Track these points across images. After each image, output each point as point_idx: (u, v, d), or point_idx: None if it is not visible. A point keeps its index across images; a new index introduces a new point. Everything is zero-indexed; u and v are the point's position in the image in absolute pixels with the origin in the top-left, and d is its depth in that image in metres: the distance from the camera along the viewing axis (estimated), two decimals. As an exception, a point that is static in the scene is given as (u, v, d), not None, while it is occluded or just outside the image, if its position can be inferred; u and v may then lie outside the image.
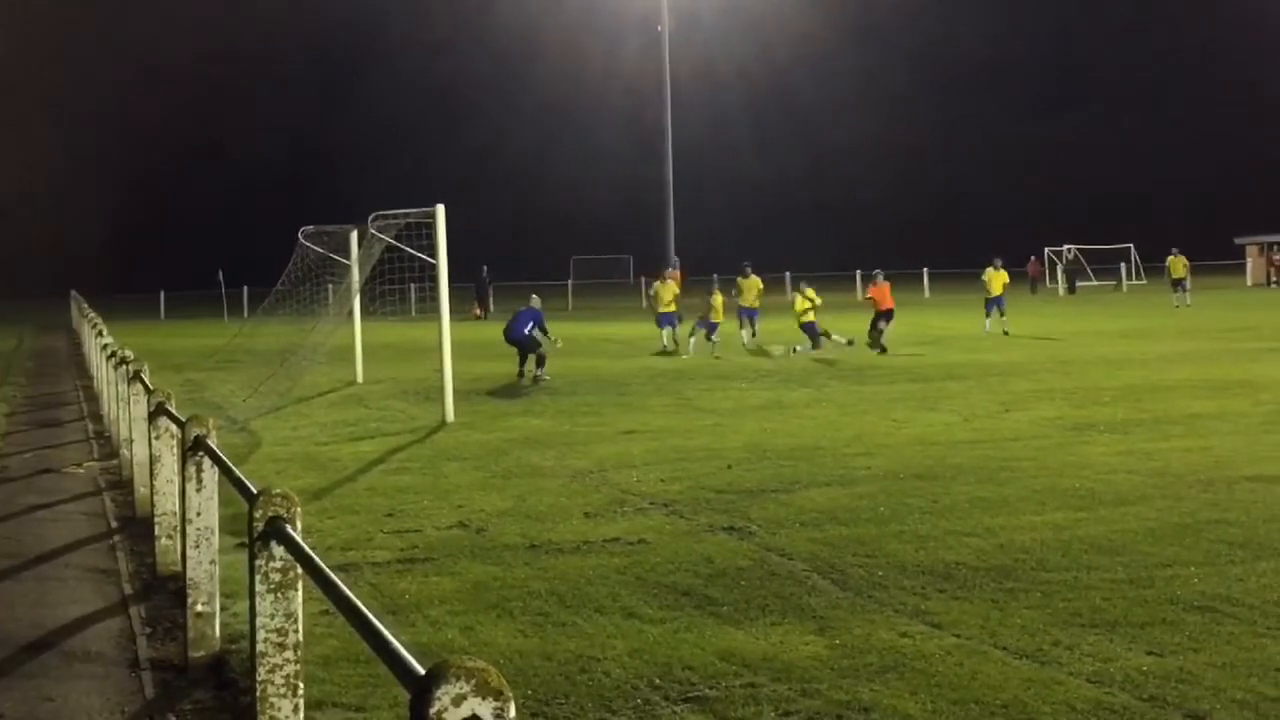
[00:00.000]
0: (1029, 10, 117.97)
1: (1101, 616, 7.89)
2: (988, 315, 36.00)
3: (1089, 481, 12.32)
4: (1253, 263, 69.11)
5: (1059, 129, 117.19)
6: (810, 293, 30.01)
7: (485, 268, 55.08)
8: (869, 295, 31.43)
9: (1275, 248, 67.92)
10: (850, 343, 29.63)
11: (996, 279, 36.45)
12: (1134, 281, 70.70)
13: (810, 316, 29.77)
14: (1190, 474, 12.58)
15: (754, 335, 33.61)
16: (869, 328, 29.93)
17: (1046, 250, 72.24)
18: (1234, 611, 7.93)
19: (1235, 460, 13.31)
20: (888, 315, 30.10)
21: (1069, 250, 70.70)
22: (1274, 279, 66.60)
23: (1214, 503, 11.21)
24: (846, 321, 33.61)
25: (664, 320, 32.96)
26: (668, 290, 33.38)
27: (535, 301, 25.97)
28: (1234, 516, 10.60)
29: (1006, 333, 34.33)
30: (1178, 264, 49.10)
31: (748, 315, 33.86)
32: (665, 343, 32.14)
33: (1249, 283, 67.70)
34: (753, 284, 34.07)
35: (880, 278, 31.44)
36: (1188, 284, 48.83)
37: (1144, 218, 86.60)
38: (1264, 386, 20.01)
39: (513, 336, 24.92)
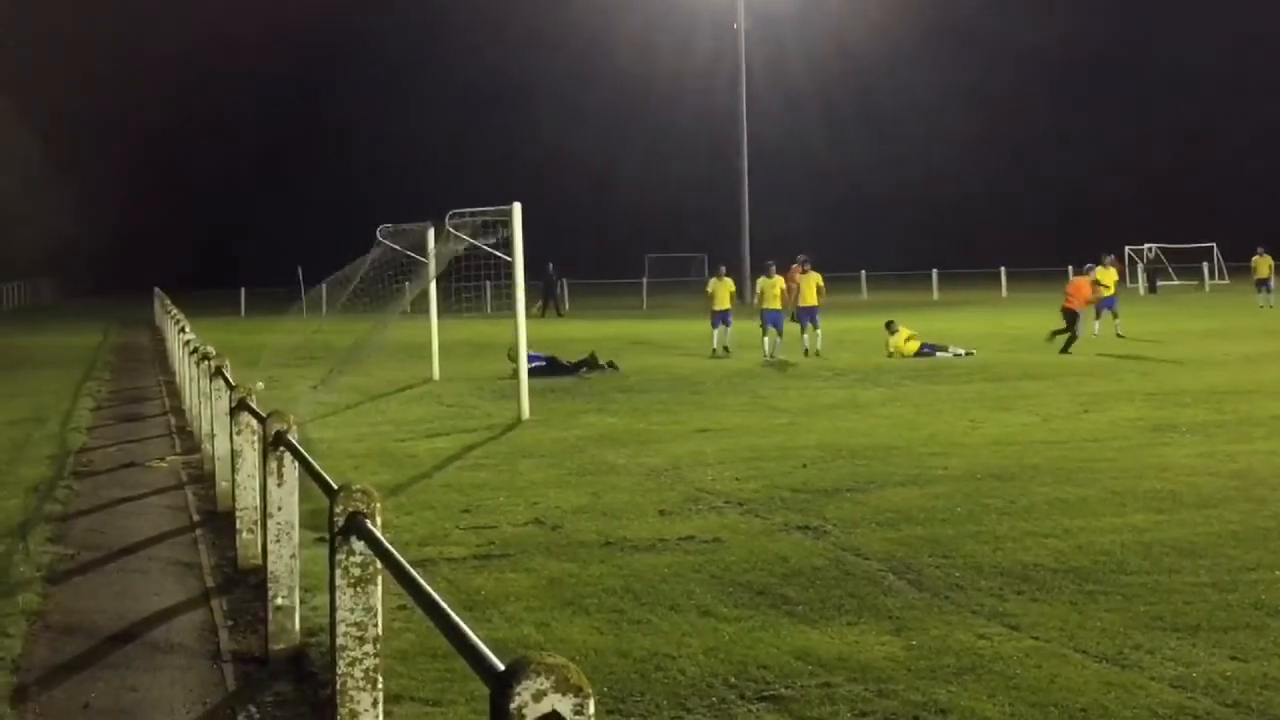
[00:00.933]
0: (1107, 4, 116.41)
1: (1183, 620, 7.78)
2: (1097, 317, 34.04)
3: (1170, 483, 12.15)
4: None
5: (1140, 126, 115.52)
6: (905, 331, 28.77)
7: (551, 265, 55.38)
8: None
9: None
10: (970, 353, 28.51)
11: (1107, 277, 35.05)
12: (1216, 281, 69.61)
13: (915, 346, 28.28)
14: (1274, 477, 12.37)
15: (814, 341, 30.61)
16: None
17: (1127, 249, 71.28)
18: (1320, 617, 7.79)
19: (1321, 463, 13.08)
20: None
21: (1150, 249, 69.73)
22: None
23: (1299, 506, 11.02)
24: (927, 322, 33.29)
25: (718, 319, 31.35)
26: (724, 288, 31.89)
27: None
28: (1320, 520, 10.42)
29: (1120, 335, 32.73)
30: (1263, 264, 48.23)
31: (807, 316, 30.84)
32: (715, 344, 30.82)
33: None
34: (811, 281, 31.27)
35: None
36: (1272, 284, 47.94)
37: (1228, 216, 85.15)
38: (1351, 388, 19.63)
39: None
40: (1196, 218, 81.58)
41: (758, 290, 31.24)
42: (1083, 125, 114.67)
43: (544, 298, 54.49)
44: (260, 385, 23.54)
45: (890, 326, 29.22)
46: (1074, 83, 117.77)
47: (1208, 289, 66.90)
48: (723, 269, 33.91)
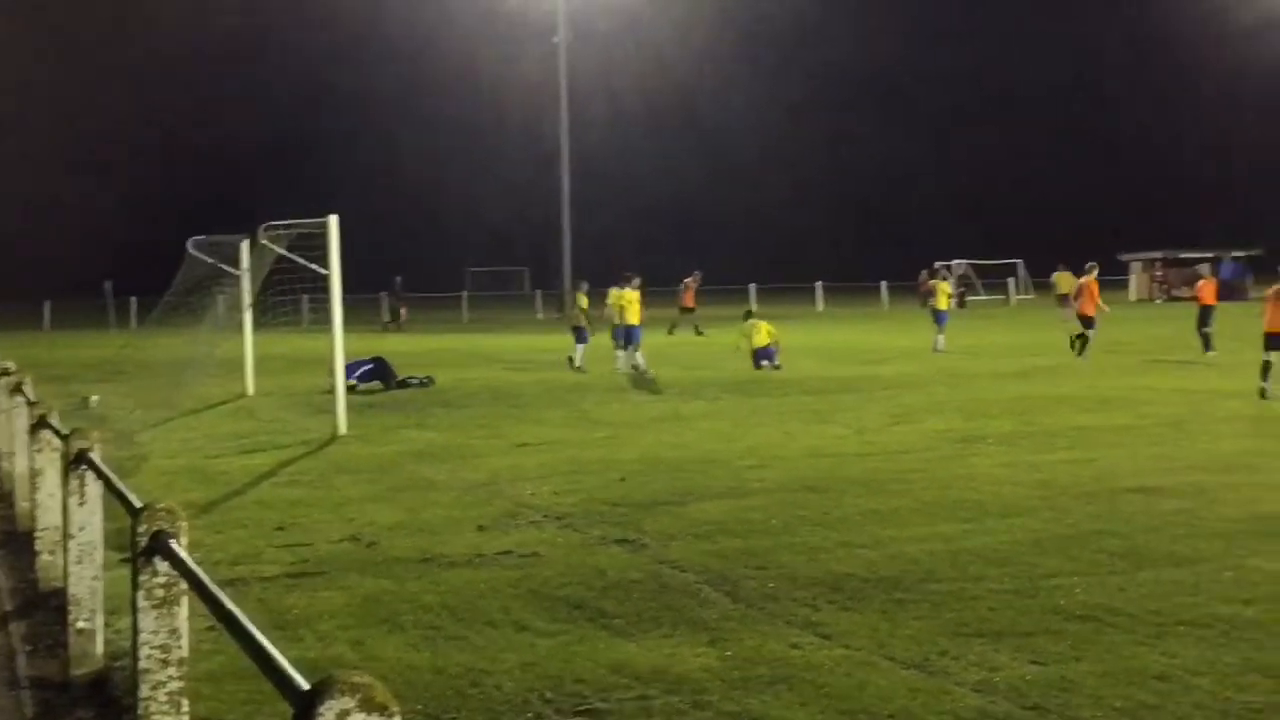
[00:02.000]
0: (925, 23, 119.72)
1: (988, 626, 8.02)
2: (940, 331, 34.54)
3: (977, 493, 12.52)
4: (1136, 279, 70.76)
5: (952, 144, 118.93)
6: (766, 326, 28.67)
7: (398, 279, 55.06)
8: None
9: (1158, 264, 69.61)
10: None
11: (940, 292, 36.03)
12: (1022, 296, 72.02)
13: (765, 341, 28.28)
14: (1075, 486, 12.84)
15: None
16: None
17: (937, 264, 73.32)
18: (1115, 620, 8.10)
19: (1118, 472, 13.61)
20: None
21: (959, 264, 71.83)
22: (1158, 295, 68.24)
23: (1097, 514, 11.45)
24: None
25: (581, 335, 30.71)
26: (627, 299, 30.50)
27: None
28: (1116, 527, 10.84)
29: (937, 350, 33.28)
30: (1063, 280, 50.03)
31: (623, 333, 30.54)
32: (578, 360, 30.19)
33: (1132, 298, 69.26)
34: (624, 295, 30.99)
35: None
36: (1073, 300, 49.70)
37: (1033, 234, 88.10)
38: (1147, 400, 20.49)
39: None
40: (1004, 234, 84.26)
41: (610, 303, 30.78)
42: (899, 140, 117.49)
43: (391, 311, 54.18)
44: (95, 398, 22.84)
45: (748, 316, 29.70)
46: (893, 96, 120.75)
47: (1013, 303, 69.18)
48: (584, 284, 33.35)
